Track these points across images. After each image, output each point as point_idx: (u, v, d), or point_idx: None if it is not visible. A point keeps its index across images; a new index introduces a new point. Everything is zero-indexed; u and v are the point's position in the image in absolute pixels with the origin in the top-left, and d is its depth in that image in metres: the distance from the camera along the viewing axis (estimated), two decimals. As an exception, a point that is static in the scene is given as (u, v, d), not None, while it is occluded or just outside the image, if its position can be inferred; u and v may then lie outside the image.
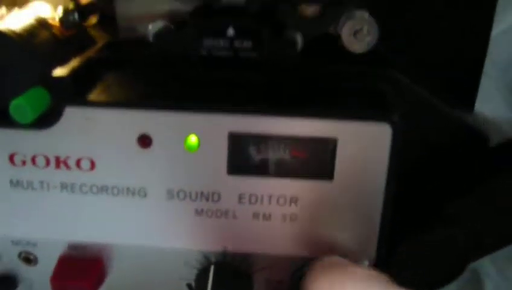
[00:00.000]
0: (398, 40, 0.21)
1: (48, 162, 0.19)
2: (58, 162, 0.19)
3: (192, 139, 0.18)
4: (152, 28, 0.20)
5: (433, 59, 0.22)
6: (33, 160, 0.19)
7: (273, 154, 0.19)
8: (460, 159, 0.21)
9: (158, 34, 0.20)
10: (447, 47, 0.22)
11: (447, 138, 0.21)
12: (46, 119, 0.18)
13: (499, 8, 0.22)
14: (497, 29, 0.23)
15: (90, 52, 0.20)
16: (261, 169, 0.19)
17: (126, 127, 0.18)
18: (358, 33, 0.19)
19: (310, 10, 0.19)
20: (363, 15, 0.19)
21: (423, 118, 0.20)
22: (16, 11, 0.20)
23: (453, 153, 0.21)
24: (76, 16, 0.20)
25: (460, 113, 0.22)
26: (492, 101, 0.31)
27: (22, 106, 0.17)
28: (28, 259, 0.21)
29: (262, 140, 0.18)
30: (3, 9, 0.20)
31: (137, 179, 0.19)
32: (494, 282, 0.27)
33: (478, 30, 0.22)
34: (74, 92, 0.18)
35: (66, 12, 0.20)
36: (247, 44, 0.20)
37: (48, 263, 0.21)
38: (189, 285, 0.20)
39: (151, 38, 0.20)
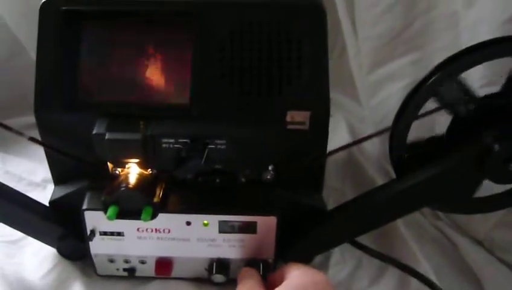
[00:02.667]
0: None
1: (152, 231, 0.51)
2: (156, 230, 0.51)
3: (205, 222, 0.51)
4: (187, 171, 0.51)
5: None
6: (146, 230, 0.51)
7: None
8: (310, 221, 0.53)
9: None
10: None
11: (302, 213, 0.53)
12: (153, 217, 0.50)
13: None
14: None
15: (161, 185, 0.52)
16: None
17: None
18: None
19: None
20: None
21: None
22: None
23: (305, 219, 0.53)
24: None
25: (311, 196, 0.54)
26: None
27: (145, 213, 0.49)
28: (143, 262, 0.54)
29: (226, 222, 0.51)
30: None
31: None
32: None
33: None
34: (159, 208, 0.50)
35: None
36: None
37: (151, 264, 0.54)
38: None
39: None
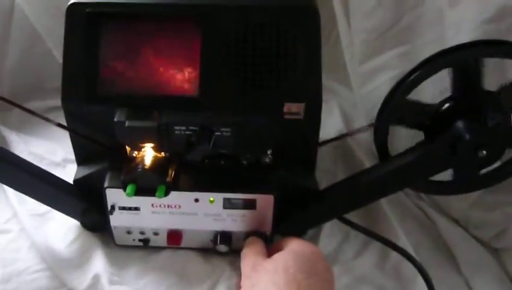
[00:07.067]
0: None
1: (164, 206, 0.58)
2: (168, 206, 0.58)
3: (211, 199, 0.58)
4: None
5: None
6: (160, 205, 0.58)
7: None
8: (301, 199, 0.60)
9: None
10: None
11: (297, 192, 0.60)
12: (166, 194, 0.57)
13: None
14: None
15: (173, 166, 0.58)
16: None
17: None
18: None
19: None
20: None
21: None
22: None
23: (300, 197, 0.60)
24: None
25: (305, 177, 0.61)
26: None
27: (159, 191, 0.56)
28: (156, 233, 0.61)
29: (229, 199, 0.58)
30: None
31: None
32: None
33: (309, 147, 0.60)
34: (172, 186, 0.57)
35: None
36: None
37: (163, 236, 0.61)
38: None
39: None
